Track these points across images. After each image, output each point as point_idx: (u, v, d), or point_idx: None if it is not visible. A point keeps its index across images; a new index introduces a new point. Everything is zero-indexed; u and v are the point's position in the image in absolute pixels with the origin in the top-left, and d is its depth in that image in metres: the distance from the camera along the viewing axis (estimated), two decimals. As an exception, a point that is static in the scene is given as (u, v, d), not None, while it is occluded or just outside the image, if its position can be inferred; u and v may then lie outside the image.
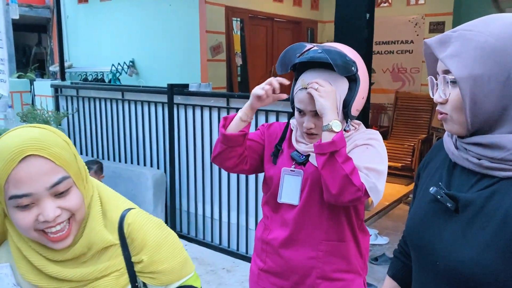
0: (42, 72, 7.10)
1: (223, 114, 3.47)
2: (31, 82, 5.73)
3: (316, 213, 1.42)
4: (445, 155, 0.99)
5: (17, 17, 4.36)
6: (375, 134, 1.45)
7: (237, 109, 3.29)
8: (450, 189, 0.92)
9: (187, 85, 3.77)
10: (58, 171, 0.87)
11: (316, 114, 1.37)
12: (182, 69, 5.27)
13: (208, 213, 3.74)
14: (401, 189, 5.35)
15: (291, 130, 1.54)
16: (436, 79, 0.92)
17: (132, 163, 4.26)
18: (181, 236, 3.93)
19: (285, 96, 1.46)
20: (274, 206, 1.49)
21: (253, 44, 5.89)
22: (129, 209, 1.00)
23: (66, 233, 0.89)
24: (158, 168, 4.05)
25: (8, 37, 6.52)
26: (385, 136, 6.43)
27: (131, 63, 5.88)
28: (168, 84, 3.74)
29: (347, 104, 1.37)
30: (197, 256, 3.57)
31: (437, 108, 0.94)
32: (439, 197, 0.91)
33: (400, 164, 5.80)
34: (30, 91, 5.78)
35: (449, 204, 0.89)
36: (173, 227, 3.93)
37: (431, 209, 0.96)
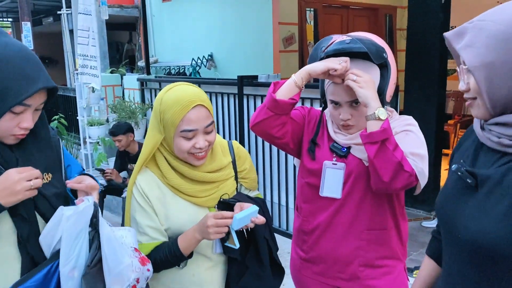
0: (132, 67, 7.71)
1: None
2: (122, 76, 6.28)
3: (358, 204, 1.43)
4: (475, 137, 1.04)
5: (107, 17, 4.82)
6: (411, 120, 1.45)
7: (304, 99, 3.41)
8: (475, 167, 0.98)
9: (256, 77, 3.92)
10: (210, 117, 1.31)
11: (351, 105, 1.39)
12: (257, 60, 5.45)
13: (275, 200, 3.88)
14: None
15: (325, 123, 1.53)
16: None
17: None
18: (251, 221, 4.12)
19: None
20: (314, 198, 1.49)
21: (327, 34, 5.83)
22: (231, 140, 1.52)
23: (204, 155, 1.33)
24: (230, 156, 4.27)
25: (102, 35, 7.17)
26: (468, 126, 6.08)
27: (209, 57, 6.20)
28: (238, 76, 3.92)
29: (381, 92, 1.37)
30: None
31: (464, 96, 0.99)
32: (459, 173, 0.98)
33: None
34: (121, 85, 6.34)
35: (469, 180, 0.95)
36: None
37: (456, 186, 1.02)
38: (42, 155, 1.22)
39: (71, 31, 6.52)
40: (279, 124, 1.42)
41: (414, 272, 3.12)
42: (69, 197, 1.29)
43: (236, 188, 1.44)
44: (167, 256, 1.30)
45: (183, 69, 6.44)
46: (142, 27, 5.64)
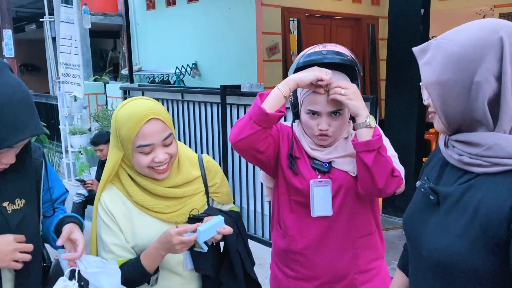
0: (116, 75, 7.67)
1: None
2: (105, 84, 6.25)
3: (349, 216, 1.43)
4: (441, 154, 1.05)
5: (89, 26, 4.80)
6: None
7: (287, 109, 3.43)
8: (439, 184, 1.00)
9: (239, 86, 3.93)
10: (167, 129, 1.28)
11: (331, 115, 1.37)
12: (240, 69, 5.47)
13: (258, 209, 3.88)
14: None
15: (297, 138, 1.49)
16: None
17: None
18: (234, 230, 4.11)
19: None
20: (303, 217, 1.45)
21: (310, 43, 5.90)
22: (201, 154, 1.48)
23: (166, 168, 1.30)
24: (213, 165, 4.27)
25: (85, 43, 7.13)
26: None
27: (194, 65, 6.20)
28: (221, 85, 3.92)
29: None
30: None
31: (428, 110, 1.01)
32: (422, 190, 1.00)
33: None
34: (104, 93, 6.30)
35: (432, 196, 0.97)
36: (227, 221, 4.12)
37: (420, 202, 1.04)
38: (18, 180, 1.20)
39: (53, 39, 6.46)
40: (265, 137, 1.36)
41: (395, 281, 3.14)
42: (38, 226, 1.27)
43: (208, 203, 1.42)
44: (132, 273, 1.27)
45: (167, 78, 6.44)
46: (125, 35, 5.62)
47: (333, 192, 1.40)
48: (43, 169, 1.30)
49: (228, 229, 1.26)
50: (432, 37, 4.59)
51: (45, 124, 6.35)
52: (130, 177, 1.33)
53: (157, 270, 1.32)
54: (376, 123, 1.35)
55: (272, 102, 1.31)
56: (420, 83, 0.99)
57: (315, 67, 1.34)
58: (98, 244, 1.33)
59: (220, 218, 1.26)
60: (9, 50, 6.05)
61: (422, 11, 3.92)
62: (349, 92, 1.30)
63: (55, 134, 6.76)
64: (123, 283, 1.26)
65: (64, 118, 5.27)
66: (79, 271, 1.17)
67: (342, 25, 6.51)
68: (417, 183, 1.04)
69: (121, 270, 1.25)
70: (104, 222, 1.31)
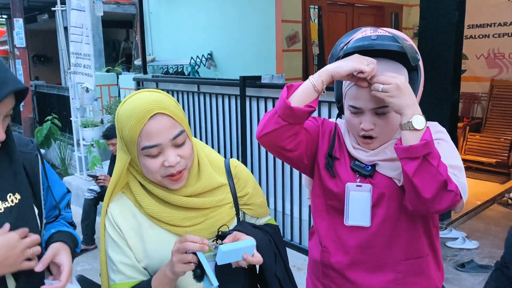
0: (128, 66, 7.48)
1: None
2: (118, 75, 6.06)
3: (391, 231, 1.23)
4: None
5: (101, 14, 4.59)
6: (438, 126, 1.25)
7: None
8: None
9: (259, 77, 3.69)
10: (177, 125, 1.06)
11: (376, 113, 1.17)
12: (258, 60, 5.22)
13: (279, 208, 3.65)
14: (494, 187, 4.84)
15: (341, 135, 1.32)
16: None
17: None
18: (253, 230, 3.90)
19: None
20: (338, 226, 1.29)
21: (331, 32, 5.66)
22: (229, 158, 1.25)
23: (181, 175, 1.08)
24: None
25: (98, 33, 6.94)
26: (477, 129, 5.87)
27: (209, 56, 5.97)
28: (240, 77, 3.69)
29: None
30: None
31: None
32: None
33: (494, 160, 5.26)
34: (117, 84, 6.11)
35: None
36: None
37: None
38: (7, 173, 1.04)
39: (65, 29, 6.29)
40: (292, 134, 1.20)
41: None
42: (37, 223, 1.10)
43: (238, 217, 1.20)
44: None
45: (181, 68, 6.22)
46: (139, 24, 5.41)
47: (374, 200, 1.21)
48: (39, 163, 1.14)
49: (257, 259, 1.04)
50: (469, 26, 4.27)
51: (56, 116, 6.19)
52: (141, 184, 1.13)
53: None
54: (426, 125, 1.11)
55: (301, 95, 1.17)
56: None
57: (356, 55, 1.14)
58: (108, 263, 1.13)
59: (251, 243, 1.03)
60: (20, 40, 5.89)
61: (459, -4, 3.62)
62: (391, 88, 1.09)
63: (67, 127, 6.61)
64: None
65: (75, 110, 5.09)
66: None
67: (364, 13, 6.22)
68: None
69: None
70: (111, 238, 1.11)
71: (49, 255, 1.07)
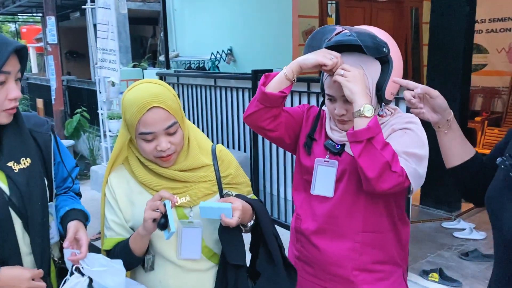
0: (154, 61, 7.76)
1: (304, 99, 3.49)
2: (143, 71, 6.33)
3: (351, 204, 1.37)
4: None
5: (125, 11, 4.84)
6: (413, 118, 1.36)
7: (318, 94, 3.32)
8: None
9: (271, 71, 3.84)
10: (171, 118, 1.23)
11: (347, 100, 1.31)
12: (275, 55, 5.36)
13: (289, 196, 3.81)
14: (510, 182, 4.83)
15: (324, 119, 1.48)
16: None
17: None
18: (264, 217, 4.07)
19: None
20: (308, 196, 1.46)
21: (349, 27, 5.73)
22: (216, 144, 1.43)
23: (170, 156, 1.27)
24: (244, 151, 4.22)
25: (125, 30, 7.24)
26: (497, 123, 5.84)
27: (229, 51, 6.15)
28: (252, 71, 3.85)
29: (379, 88, 1.31)
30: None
31: None
32: (502, 166, 1.00)
33: (511, 155, 5.22)
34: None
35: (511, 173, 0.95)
36: (257, 208, 4.09)
37: (502, 180, 1.02)
38: (19, 140, 1.24)
39: (95, 26, 6.60)
40: (270, 116, 1.38)
41: (430, 275, 3.00)
42: (45, 188, 1.29)
43: (221, 194, 1.36)
44: (123, 252, 1.26)
45: (202, 64, 6.43)
46: (162, 22, 5.65)
47: (338, 175, 1.37)
48: (52, 142, 1.33)
49: (231, 221, 1.20)
50: (478, 21, 4.33)
51: (85, 109, 6.53)
52: (138, 158, 1.32)
53: (150, 255, 1.30)
54: (375, 114, 1.24)
55: (275, 83, 1.34)
56: None
57: (323, 50, 1.29)
58: (104, 222, 1.35)
59: (227, 206, 1.21)
60: (52, 37, 6.23)
61: (469, -9, 3.67)
62: (349, 74, 1.23)
63: (95, 119, 6.95)
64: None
65: (102, 103, 5.38)
66: (83, 268, 1.20)
67: (383, 8, 6.24)
68: (497, 159, 1.00)
69: (115, 249, 1.27)
70: (108, 201, 1.33)
71: (71, 234, 1.27)
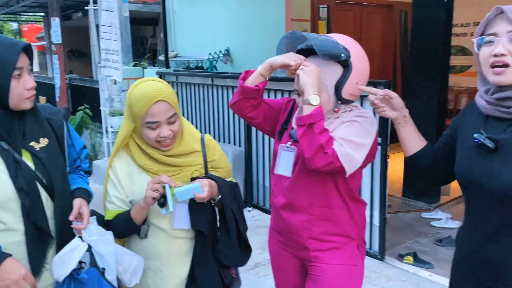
0: (154, 61, 8.03)
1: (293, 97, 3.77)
2: (144, 70, 6.60)
3: (306, 183, 1.57)
4: (477, 112, 1.31)
5: (127, 14, 5.12)
6: (365, 113, 1.55)
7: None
8: (487, 134, 1.23)
9: (264, 71, 4.13)
10: (172, 109, 1.49)
11: None
12: (270, 56, 5.60)
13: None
14: (489, 177, 5.12)
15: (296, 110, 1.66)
16: (498, 37, 1.20)
17: (216, 140, 4.79)
18: (256, 207, 4.36)
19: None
20: (275, 176, 1.67)
21: (339, 30, 5.99)
22: (204, 134, 1.70)
23: (170, 142, 1.53)
24: (239, 145, 4.52)
25: (126, 31, 7.51)
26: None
27: (226, 52, 6.43)
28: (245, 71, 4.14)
29: (337, 87, 1.51)
30: (267, 225, 3.91)
31: (494, 60, 1.19)
32: (482, 140, 1.22)
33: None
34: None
35: (490, 144, 1.20)
36: (250, 198, 4.38)
37: (475, 151, 1.26)
38: (37, 122, 1.50)
39: (97, 26, 6.85)
40: (249, 106, 1.63)
41: (405, 258, 3.30)
42: (64, 164, 1.55)
43: (206, 176, 1.60)
44: (124, 221, 1.53)
45: (201, 64, 6.70)
46: (162, 22, 5.92)
47: (295, 159, 1.58)
48: (65, 128, 1.58)
49: (203, 196, 1.46)
50: (466, 24, 4.62)
51: (88, 106, 6.81)
52: (138, 145, 1.56)
53: (146, 225, 1.57)
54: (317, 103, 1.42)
55: (252, 78, 1.59)
56: (496, 37, 1.19)
57: (290, 53, 1.54)
58: (106, 196, 1.60)
59: (196, 184, 1.47)
60: (56, 37, 6.51)
61: (446, -2, 3.96)
62: (306, 68, 1.46)
63: (97, 116, 7.22)
64: (117, 233, 1.54)
65: (104, 100, 5.65)
66: (83, 237, 1.48)
67: (373, 12, 6.52)
68: (475, 135, 1.24)
69: (117, 219, 1.54)
70: (111, 179, 1.58)
71: (76, 209, 1.51)
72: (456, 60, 6.37)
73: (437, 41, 4.04)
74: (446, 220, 4.00)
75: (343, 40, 1.55)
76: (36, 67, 20.15)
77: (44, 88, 10.63)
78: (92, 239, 1.48)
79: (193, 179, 1.57)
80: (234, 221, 1.61)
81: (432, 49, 4.09)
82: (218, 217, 1.69)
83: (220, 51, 6.40)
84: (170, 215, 1.56)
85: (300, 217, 1.60)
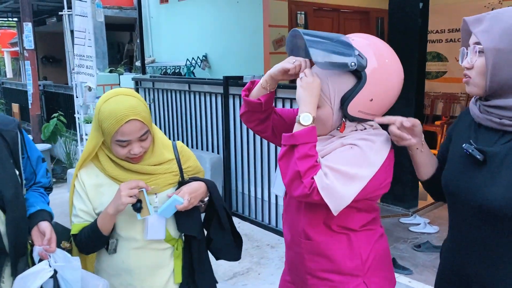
0: (131, 67, 7.91)
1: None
2: (120, 76, 6.49)
3: (295, 210, 1.39)
4: (470, 120, 1.25)
5: (102, 19, 5.01)
6: (375, 135, 1.28)
7: (284, 99, 3.59)
8: (477, 145, 1.17)
9: (242, 77, 4.10)
10: (144, 127, 1.40)
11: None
12: (248, 62, 5.62)
13: (259, 195, 4.06)
14: (465, 181, 5.19)
15: None
16: (467, 50, 1.17)
17: (193, 147, 4.74)
18: (236, 215, 4.31)
19: None
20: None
21: (317, 36, 6.03)
22: (176, 141, 1.65)
23: (140, 158, 1.46)
24: (218, 153, 4.46)
25: (102, 36, 7.37)
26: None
27: (204, 57, 6.38)
28: (223, 77, 4.10)
29: (343, 101, 1.25)
30: (247, 233, 3.91)
31: (463, 73, 1.18)
32: (470, 151, 1.15)
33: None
34: (119, 84, 6.55)
35: (479, 156, 1.13)
36: (229, 206, 4.32)
37: (463, 161, 1.19)
38: None
39: (72, 32, 6.71)
40: (256, 119, 1.47)
41: (384, 264, 3.29)
42: (16, 175, 1.45)
43: (183, 182, 1.56)
44: (90, 233, 1.45)
45: (178, 69, 6.64)
46: (138, 28, 5.84)
47: None
48: (19, 139, 1.49)
49: (184, 205, 1.42)
50: (441, 31, 4.66)
51: (62, 114, 6.64)
52: (108, 156, 1.48)
53: (114, 239, 1.49)
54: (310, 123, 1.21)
55: (256, 91, 1.43)
56: (470, 48, 1.15)
57: (290, 57, 1.32)
58: (72, 210, 1.52)
59: (173, 198, 1.42)
60: (29, 42, 6.33)
61: (421, 4, 4.00)
62: (304, 80, 1.24)
63: (72, 123, 7.05)
64: (84, 247, 1.47)
65: (79, 107, 5.52)
66: (50, 262, 1.42)
67: (350, 18, 6.58)
68: (463, 145, 1.17)
69: (82, 231, 1.46)
70: (77, 191, 1.49)
71: (49, 234, 1.43)
72: (431, 66, 6.47)
73: (413, 47, 4.08)
74: (424, 225, 4.01)
75: (364, 43, 1.27)
76: (9, 74, 19.69)
77: (17, 95, 10.35)
78: (59, 265, 1.42)
79: (180, 183, 1.54)
80: (227, 217, 1.59)
81: (408, 55, 4.12)
82: (204, 217, 1.65)
83: (198, 57, 6.36)
84: (143, 226, 1.49)
85: (294, 249, 1.41)
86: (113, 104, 1.38)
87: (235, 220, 4.23)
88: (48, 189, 1.64)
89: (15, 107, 10.52)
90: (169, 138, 5.23)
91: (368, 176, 1.22)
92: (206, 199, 1.55)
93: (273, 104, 1.51)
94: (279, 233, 3.83)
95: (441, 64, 6.62)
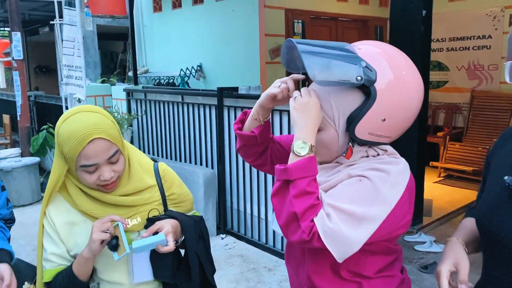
0: (124, 77, 7.71)
1: (268, 116, 3.54)
2: (112, 86, 6.29)
3: (299, 248, 1.21)
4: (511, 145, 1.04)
5: (91, 28, 4.82)
6: (387, 164, 1.05)
7: (281, 111, 3.39)
8: None
9: (237, 88, 3.90)
10: (113, 147, 1.19)
11: None
12: (243, 72, 5.44)
13: (255, 212, 3.84)
14: (470, 195, 5.00)
15: None
16: None
17: (186, 161, 4.52)
18: (230, 233, 4.08)
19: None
20: None
21: (315, 45, 5.86)
22: (157, 161, 1.42)
23: (114, 184, 1.24)
24: (212, 167, 4.24)
25: (94, 46, 7.19)
26: (459, 138, 6.04)
27: (198, 67, 6.19)
28: (217, 88, 3.90)
29: (350, 121, 1.05)
30: (242, 254, 3.68)
31: None
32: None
33: (471, 169, 5.41)
34: (111, 95, 6.34)
35: None
36: (224, 224, 4.10)
37: (503, 196, 1.00)
38: None
39: (63, 41, 6.53)
40: (253, 153, 1.31)
41: None
42: None
43: (166, 214, 1.36)
44: (66, 280, 1.24)
45: (172, 80, 6.44)
46: (131, 37, 5.66)
47: None
48: None
49: (169, 248, 1.22)
50: (442, 39, 4.50)
51: (52, 125, 6.42)
52: (78, 187, 1.27)
53: (95, 282, 1.29)
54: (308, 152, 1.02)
55: (248, 122, 1.26)
56: (506, 63, 0.97)
57: (277, 80, 1.16)
58: (42, 253, 1.30)
59: (160, 237, 1.21)
60: (17, 52, 6.13)
61: (424, 12, 3.83)
62: (299, 101, 1.05)
63: (62, 135, 6.84)
64: None
65: (68, 120, 5.31)
66: None
67: (348, 26, 6.42)
68: (505, 178, 0.97)
69: (57, 279, 1.25)
70: (47, 232, 1.28)
71: (8, 278, 1.29)
72: (432, 76, 6.29)
73: (416, 57, 3.88)
74: (430, 243, 3.80)
75: (376, 52, 1.07)
76: (2, 84, 19.50)
77: (8, 106, 10.13)
78: None
79: (150, 220, 1.29)
80: (199, 266, 1.35)
81: (411, 65, 3.94)
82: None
83: (192, 67, 6.16)
84: (127, 267, 1.28)
85: None
86: (73, 123, 1.16)
87: (230, 239, 4.00)
88: (9, 221, 1.44)
89: (6, 118, 10.28)
90: (161, 152, 5.11)
91: (381, 216, 1.00)
92: (181, 239, 1.33)
93: (271, 131, 1.31)
94: (277, 254, 3.61)
95: (442, 74, 6.45)
